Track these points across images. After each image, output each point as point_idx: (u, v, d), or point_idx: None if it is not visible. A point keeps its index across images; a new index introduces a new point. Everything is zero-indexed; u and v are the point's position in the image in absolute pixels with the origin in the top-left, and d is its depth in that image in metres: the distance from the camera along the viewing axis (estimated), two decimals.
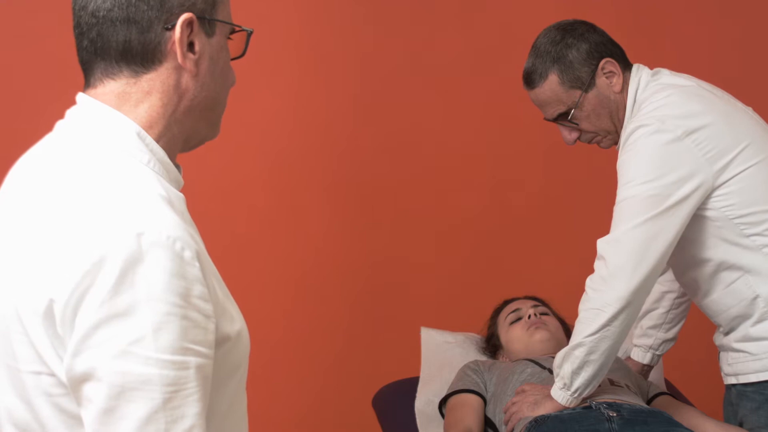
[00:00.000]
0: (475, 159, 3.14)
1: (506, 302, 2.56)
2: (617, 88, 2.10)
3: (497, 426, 2.21)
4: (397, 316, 3.08)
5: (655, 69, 2.16)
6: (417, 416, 2.39)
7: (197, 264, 1.14)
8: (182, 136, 1.29)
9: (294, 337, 3.07)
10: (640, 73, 2.13)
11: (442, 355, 2.53)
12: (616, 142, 2.16)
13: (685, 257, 2.06)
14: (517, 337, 2.43)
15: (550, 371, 2.24)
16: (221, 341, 1.18)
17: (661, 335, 2.38)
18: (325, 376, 3.18)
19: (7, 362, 1.19)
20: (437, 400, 2.40)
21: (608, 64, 2.10)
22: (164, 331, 1.09)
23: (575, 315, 2.61)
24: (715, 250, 2.03)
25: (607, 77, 2.10)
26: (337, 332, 3.12)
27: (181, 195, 1.24)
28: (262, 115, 2.96)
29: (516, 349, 2.42)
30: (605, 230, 3.25)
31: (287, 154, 3.00)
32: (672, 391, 2.43)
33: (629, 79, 2.12)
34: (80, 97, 1.27)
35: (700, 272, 2.08)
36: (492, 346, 2.52)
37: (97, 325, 1.08)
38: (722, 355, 2.20)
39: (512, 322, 2.46)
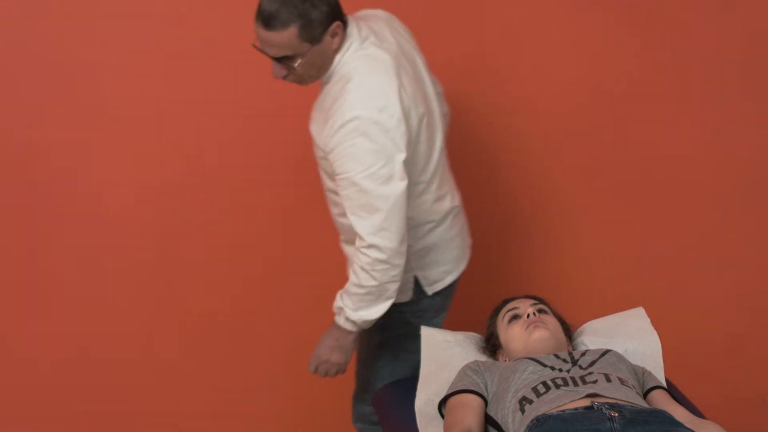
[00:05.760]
0: (474, 158, 3.14)
1: (505, 301, 2.56)
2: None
3: (500, 425, 2.21)
4: None
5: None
6: (417, 416, 2.39)
7: None
8: None
9: (294, 336, 3.07)
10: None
11: (442, 354, 2.53)
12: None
13: None
14: (516, 336, 2.42)
15: (552, 369, 2.24)
16: None
17: None
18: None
19: None
20: (437, 400, 2.40)
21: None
22: None
23: (574, 314, 2.63)
24: None
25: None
26: None
27: None
28: (260, 115, 2.96)
29: (515, 348, 2.41)
30: (604, 230, 3.27)
31: (287, 154, 3.00)
32: (673, 392, 2.42)
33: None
34: None
35: None
36: (491, 345, 2.52)
37: None
38: None
39: (511, 321, 2.46)
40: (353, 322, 2.37)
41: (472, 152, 3.14)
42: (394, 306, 2.41)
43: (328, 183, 2.43)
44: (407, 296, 2.51)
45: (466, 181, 3.16)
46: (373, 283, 2.29)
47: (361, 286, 2.31)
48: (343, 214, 2.38)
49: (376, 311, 2.34)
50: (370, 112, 2.21)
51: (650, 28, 3.14)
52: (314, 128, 2.37)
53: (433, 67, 3.08)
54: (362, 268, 2.29)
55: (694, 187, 3.27)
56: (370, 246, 2.26)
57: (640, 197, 3.26)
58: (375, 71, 2.28)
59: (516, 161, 3.17)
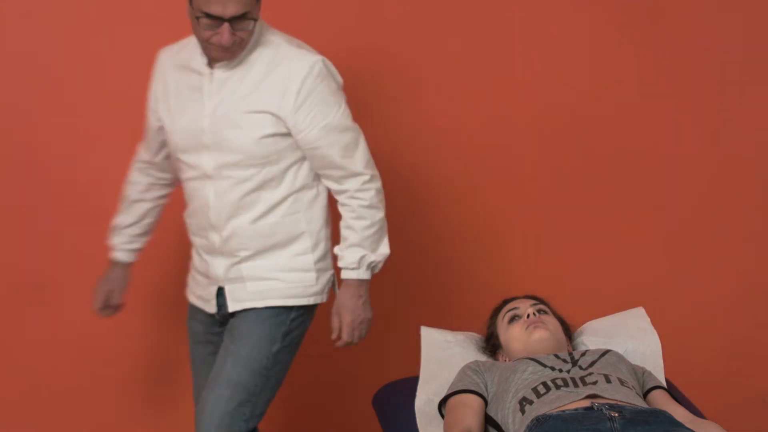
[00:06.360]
0: (474, 158, 3.14)
1: (505, 302, 2.56)
2: None
3: (500, 425, 2.21)
4: (397, 315, 3.08)
5: None
6: (417, 415, 2.39)
7: None
8: None
9: None
10: None
11: (442, 354, 2.53)
12: None
13: None
14: (516, 336, 2.42)
15: (552, 369, 2.24)
16: None
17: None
18: (326, 375, 3.18)
19: None
20: (437, 400, 2.40)
21: None
22: None
23: (574, 314, 2.63)
24: None
25: None
26: None
27: None
28: None
29: (515, 348, 2.42)
30: (604, 230, 3.26)
31: None
32: (673, 392, 2.42)
33: None
34: None
35: None
36: (491, 345, 2.52)
37: None
38: None
39: (511, 321, 2.46)
40: (373, 267, 2.41)
41: (472, 151, 3.14)
42: (305, 309, 2.43)
43: (260, 175, 2.34)
44: (323, 297, 2.47)
45: (466, 180, 3.16)
46: (381, 215, 2.39)
47: (373, 225, 2.38)
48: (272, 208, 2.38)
49: (386, 245, 2.42)
50: (316, 57, 2.32)
51: (650, 28, 3.14)
52: (262, 103, 2.30)
53: (434, 67, 3.09)
54: (369, 206, 2.37)
55: (694, 188, 3.27)
56: (372, 177, 2.37)
57: (640, 197, 3.26)
58: (292, 37, 2.39)
59: (516, 160, 3.17)
